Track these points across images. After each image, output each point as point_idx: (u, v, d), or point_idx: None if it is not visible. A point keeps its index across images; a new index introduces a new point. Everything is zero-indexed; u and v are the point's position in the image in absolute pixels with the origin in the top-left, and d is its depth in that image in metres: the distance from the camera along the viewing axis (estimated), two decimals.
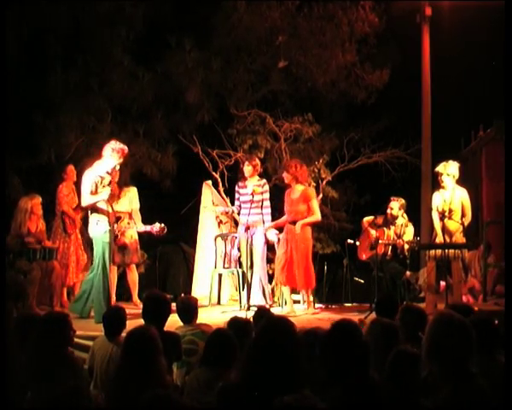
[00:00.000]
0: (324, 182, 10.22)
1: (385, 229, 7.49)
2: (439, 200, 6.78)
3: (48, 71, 9.39)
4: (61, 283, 7.56)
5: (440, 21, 11.79)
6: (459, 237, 6.74)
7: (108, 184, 6.39)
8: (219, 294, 7.88)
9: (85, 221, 7.98)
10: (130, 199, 7.53)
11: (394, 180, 11.10)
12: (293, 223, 6.85)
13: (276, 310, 6.96)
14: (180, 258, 10.32)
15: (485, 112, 12.31)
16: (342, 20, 10.20)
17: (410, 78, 11.57)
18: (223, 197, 9.41)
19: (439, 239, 6.74)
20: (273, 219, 7.42)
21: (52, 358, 3.51)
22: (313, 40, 10.26)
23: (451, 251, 6.63)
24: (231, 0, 9.95)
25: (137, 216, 7.26)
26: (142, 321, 4.28)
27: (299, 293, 8.05)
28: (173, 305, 4.59)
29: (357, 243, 7.87)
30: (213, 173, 9.94)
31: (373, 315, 5.34)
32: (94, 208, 6.34)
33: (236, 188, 7.52)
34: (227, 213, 8.36)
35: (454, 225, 6.70)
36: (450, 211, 6.67)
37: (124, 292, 8.11)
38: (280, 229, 7.43)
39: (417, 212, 10.81)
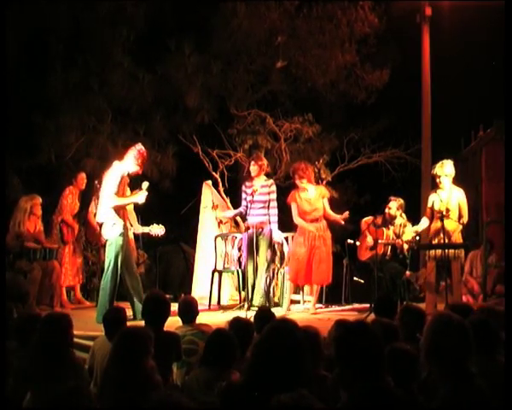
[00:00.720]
0: (324, 182, 10.22)
1: (384, 229, 7.49)
2: (435, 200, 6.81)
3: (48, 71, 9.39)
4: (61, 283, 7.59)
5: (440, 21, 11.79)
6: (458, 237, 6.75)
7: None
8: (219, 294, 7.88)
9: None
10: None
11: (394, 180, 11.12)
12: (316, 220, 6.97)
13: (276, 310, 6.95)
14: (180, 258, 10.30)
15: (485, 112, 12.32)
16: (341, 21, 10.21)
17: (410, 78, 11.57)
18: (223, 197, 9.41)
19: (419, 228, 6.90)
20: (279, 220, 7.43)
21: (54, 358, 3.51)
22: (312, 40, 10.27)
23: (451, 251, 6.64)
24: (231, 2, 9.95)
25: (132, 216, 7.23)
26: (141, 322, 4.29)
27: (298, 293, 8.06)
28: (173, 305, 4.59)
29: (357, 243, 7.87)
30: (213, 173, 9.94)
31: (373, 315, 5.34)
32: (112, 210, 6.28)
33: (243, 188, 7.45)
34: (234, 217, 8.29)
35: (452, 225, 6.71)
36: (447, 210, 6.68)
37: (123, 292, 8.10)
38: (287, 228, 7.48)
39: (417, 212, 10.79)
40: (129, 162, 6.38)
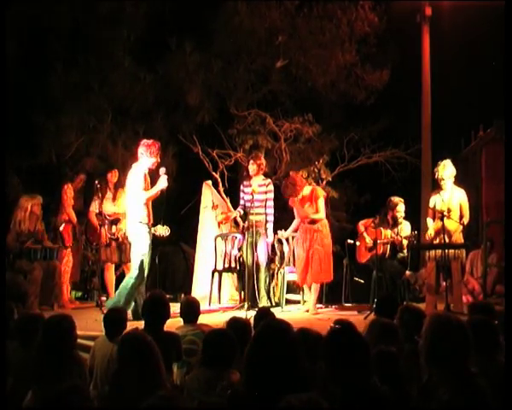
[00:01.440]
0: (324, 182, 10.22)
1: (382, 229, 7.49)
2: (436, 201, 6.81)
3: (48, 71, 9.39)
4: (62, 282, 7.59)
5: (440, 21, 11.78)
6: (458, 237, 6.75)
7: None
8: (219, 294, 7.88)
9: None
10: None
11: (394, 180, 11.11)
12: (312, 223, 7.03)
13: (276, 310, 6.96)
14: (180, 258, 10.30)
15: (485, 112, 12.29)
16: (342, 20, 10.21)
17: (410, 78, 11.56)
18: (223, 197, 9.41)
19: (429, 233, 6.81)
20: (274, 219, 7.44)
21: (57, 360, 3.50)
22: (313, 40, 10.26)
23: (451, 251, 6.64)
24: (231, 1, 9.95)
25: None
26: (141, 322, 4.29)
27: (298, 293, 8.06)
28: (173, 305, 4.60)
29: (357, 244, 7.87)
30: (213, 173, 9.94)
31: (372, 315, 5.35)
32: (143, 207, 6.30)
33: (241, 187, 7.49)
34: (232, 217, 8.29)
35: (453, 225, 6.71)
36: (449, 211, 6.69)
37: None
38: (287, 228, 7.51)
39: (417, 212, 10.80)
40: (144, 160, 6.40)
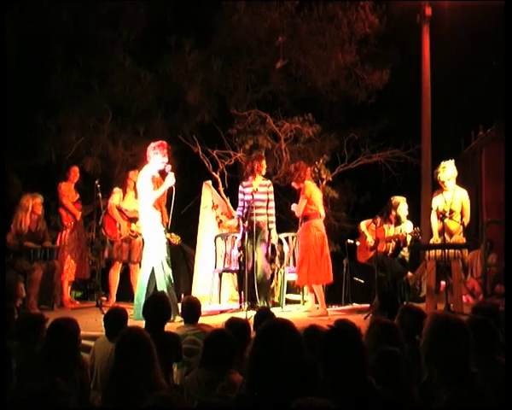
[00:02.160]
0: (324, 182, 10.23)
1: (384, 228, 7.50)
2: (439, 201, 6.81)
3: (48, 71, 9.40)
4: (61, 282, 7.58)
5: (440, 21, 11.78)
6: (459, 238, 6.75)
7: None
8: (219, 294, 7.88)
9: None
10: None
11: (394, 180, 11.12)
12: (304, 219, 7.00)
13: (276, 310, 6.96)
14: (180, 258, 10.30)
15: (485, 112, 12.29)
16: (342, 21, 10.22)
17: (410, 78, 11.56)
18: (223, 197, 9.41)
19: (435, 239, 6.79)
20: (278, 220, 7.48)
21: (62, 362, 3.50)
22: (313, 41, 10.28)
23: (451, 251, 6.64)
24: (231, 0, 9.95)
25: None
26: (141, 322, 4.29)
27: (298, 293, 8.06)
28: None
29: (358, 243, 7.87)
30: (213, 173, 9.94)
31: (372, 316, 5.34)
32: (153, 208, 6.29)
33: (240, 188, 7.44)
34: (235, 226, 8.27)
35: (454, 225, 6.71)
36: (451, 211, 6.69)
37: (123, 291, 8.10)
38: (287, 228, 7.51)
39: (417, 212, 10.80)
40: (154, 161, 6.39)
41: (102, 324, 4.27)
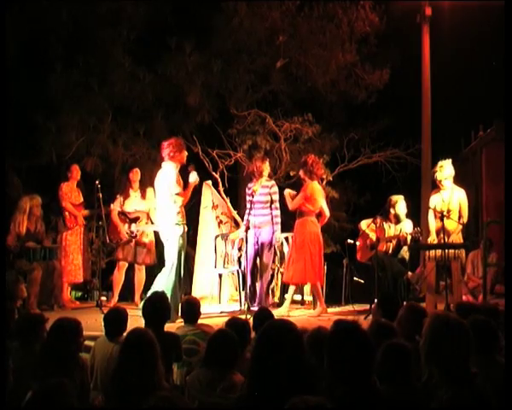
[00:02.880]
0: (324, 182, 10.22)
1: (385, 227, 7.50)
2: (436, 201, 6.81)
3: (48, 71, 9.39)
4: (61, 282, 7.58)
5: (440, 21, 11.77)
6: (457, 237, 6.75)
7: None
8: (219, 294, 7.88)
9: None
10: (148, 199, 7.57)
11: (394, 180, 11.12)
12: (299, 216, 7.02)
13: (275, 310, 6.95)
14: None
15: (485, 112, 12.30)
16: (342, 20, 10.21)
17: (410, 78, 11.56)
18: (223, 197, 9.41)
19: (432, 238, 6.79)
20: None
21: (62, 362, 3.50)
22: (313, 40, 10.26)
23: (451, 251, 6.64)
24: (232, 1, 9.94)
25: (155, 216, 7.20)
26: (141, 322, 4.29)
27: (299, 293, 8.05)
28: None
29: (358, 243, 7.87)
30: (213, 173, 9.94)
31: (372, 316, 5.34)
32: (178, 209, 6.28)
33: (246, 190, 7.43)
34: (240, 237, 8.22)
35: (452, 225, 6.72)
36: (449, 211, 6.69)
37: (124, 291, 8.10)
38: (287, 228, 7.49)
39: (417, 212, 10.81)
40: (173, 159, 6.37)
41: (102, 324, 4.27)
